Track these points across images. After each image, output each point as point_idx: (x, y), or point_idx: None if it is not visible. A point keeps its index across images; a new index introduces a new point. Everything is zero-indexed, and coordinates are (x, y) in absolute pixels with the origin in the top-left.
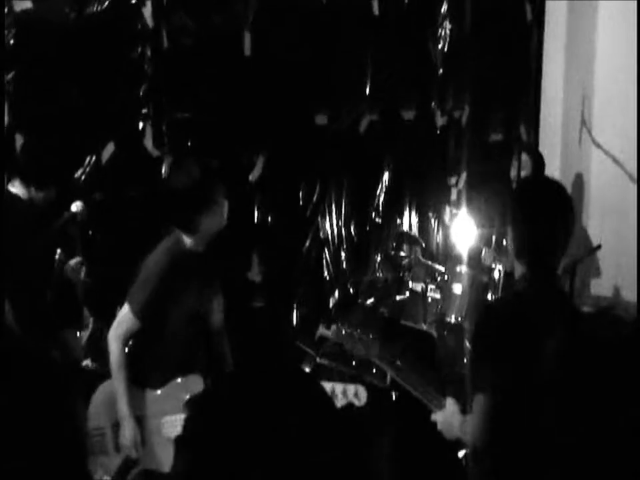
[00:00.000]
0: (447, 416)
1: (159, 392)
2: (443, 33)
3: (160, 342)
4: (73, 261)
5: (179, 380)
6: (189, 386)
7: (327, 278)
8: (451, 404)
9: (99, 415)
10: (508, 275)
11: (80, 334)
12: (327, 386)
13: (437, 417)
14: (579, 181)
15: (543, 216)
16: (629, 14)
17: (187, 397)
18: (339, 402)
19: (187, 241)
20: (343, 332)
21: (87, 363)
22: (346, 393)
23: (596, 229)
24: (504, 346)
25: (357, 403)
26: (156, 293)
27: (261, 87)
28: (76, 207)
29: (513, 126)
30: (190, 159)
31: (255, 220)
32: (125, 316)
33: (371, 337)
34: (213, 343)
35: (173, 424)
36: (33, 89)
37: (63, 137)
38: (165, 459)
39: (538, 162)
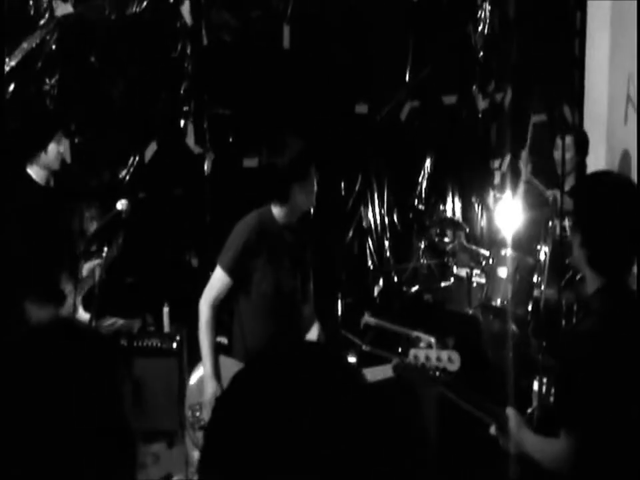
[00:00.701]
0: (512, 430)
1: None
2: (483, 16)
3: (247, 311)
4: (94, 262)
5: None
6: None
7: (371, 267)
8: (512, 416)
9: (195, 392)
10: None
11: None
12: (421, 353)
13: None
14: (626, 159)
15: (628, 220)
16: None
17: None
18: (433, 367)
19: (278, 211)
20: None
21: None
22: (440, 358)
23: None
24: (602, 379)
25: (450, 367)
26: (241, 254)
27: (301, 79)
28: (121, 204)
29: (556, 107)
30: (290, 136)
31: None
32: (215, 277)
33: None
34: (302, 327)
35: None
36: (76, 91)
37: (107, 137)
38: None
39: (582, 143)
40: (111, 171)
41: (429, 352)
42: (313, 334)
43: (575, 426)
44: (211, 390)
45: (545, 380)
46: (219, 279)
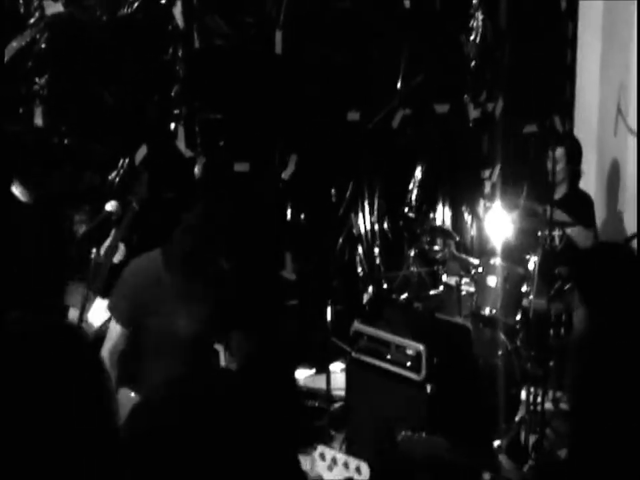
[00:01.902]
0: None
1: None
2: (475, 25)
3: (148, 358)
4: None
5: None
6: None
7: (361, 274)
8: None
9: None
10: None
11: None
12: (328, 454)
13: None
14: (615, 169)
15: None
16: None
17: None
18: (339, 473)
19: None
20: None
21: None
22: (348, 465)
23: (631, 218)
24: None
25: (356, 477)
26: (131, 302)
27: (293, 85)
28: (111, 206)
29: (547, 117)
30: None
31: (288, 218)
32: (111, 327)
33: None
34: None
35: None
36: (65, 92)
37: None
38: None
39: (574, 153)
40: (100, 173)
41: (338, 455)
42: None
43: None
44: None
45: (532, 389)
46: (113, 329)
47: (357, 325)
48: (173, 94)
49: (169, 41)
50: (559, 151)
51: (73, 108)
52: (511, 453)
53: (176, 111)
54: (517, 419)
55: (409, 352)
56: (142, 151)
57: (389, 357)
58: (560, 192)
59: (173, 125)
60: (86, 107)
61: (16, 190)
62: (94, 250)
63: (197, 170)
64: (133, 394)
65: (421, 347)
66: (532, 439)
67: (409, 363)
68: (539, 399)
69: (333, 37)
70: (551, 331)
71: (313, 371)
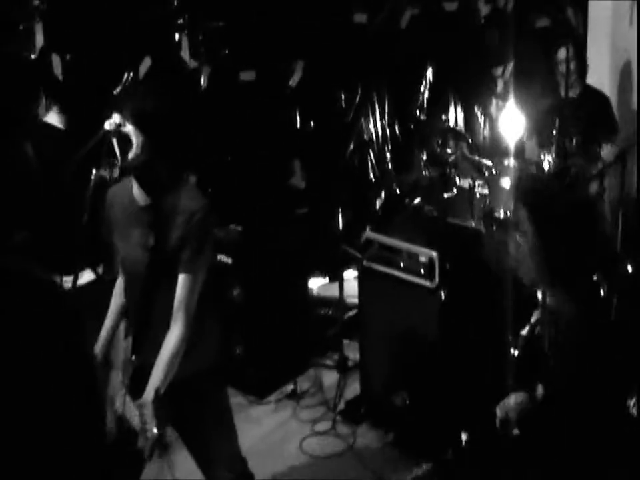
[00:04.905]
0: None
1: None
2: None
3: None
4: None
5: None
6: None
7: (372, 180)
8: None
9: None
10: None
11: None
12: None
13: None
14: (628, 64)
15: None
16: None
17: None
18: None
19: None
20: None
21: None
22: None
23: None
24: None
25: None
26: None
27: None
28: (109, 124)
29: (560, 10)
30: None
31: (297, 125)
32: None
33: None
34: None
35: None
36: (65, 6)
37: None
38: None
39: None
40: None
41: None
42: None
43: None
44: None
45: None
46: None
47: (369, 233)
48: (174, 3)
49: None
50: (572, 49)
51: (73, 22)
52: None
53: (179, 21)
54: (532, 320)
55: (422, 259)
56: (146, 63)
57: (401, 264)
58: (574, 90)
59: (176, 36)
60: (86, 22)
61: (51, 118)
62: (93, 169)
63: (202, 81)
64: None
65: (434, 254)
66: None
67: (421, 270)
68: None
69: None
70: None
71: (326, 279)
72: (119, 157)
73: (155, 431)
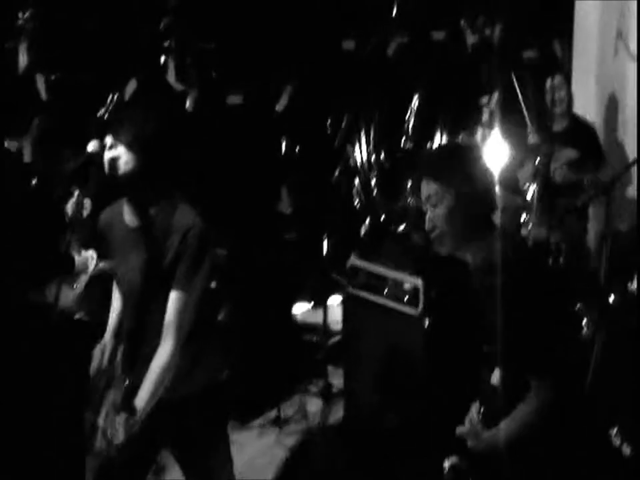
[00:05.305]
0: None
1: None
2: None
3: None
4: (75, 197)
5: None
6: None
7: (358, 206)
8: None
9: None
10: None
11: (75, 286)
12: None
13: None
14: (614, 96)
15: None
16: None
17: None
18: None
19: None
20: None
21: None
22: None
23: (631, 145)
24: None
25: None
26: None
27: (287, 13)
28: (92, 146)
29: (546, 42)
30: None
31: (283, 151)
32: None
33: None
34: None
35: None
36: (51, 26)
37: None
38: None
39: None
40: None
41: None
42: None
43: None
44: None
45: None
46: None
47: (354, 260)
48: (162, 25)
49: None
50: (558, 78)
51: (59, 42)
52: None
53: (166, 44)
54: None
55: (407, 286)
56: (131, 86)
57: (386, 291)
58: (561, 122)
59: (162, 58)
60: (72, 41)
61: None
62: (77, 191)
63: (188, 104)
64: None
65: (419, 282)
66: None
67: (406, 298)
68: None
69: None
70: (550, 261)
71: (311, 305)
72: (105, 179)
73: (120, 438)
